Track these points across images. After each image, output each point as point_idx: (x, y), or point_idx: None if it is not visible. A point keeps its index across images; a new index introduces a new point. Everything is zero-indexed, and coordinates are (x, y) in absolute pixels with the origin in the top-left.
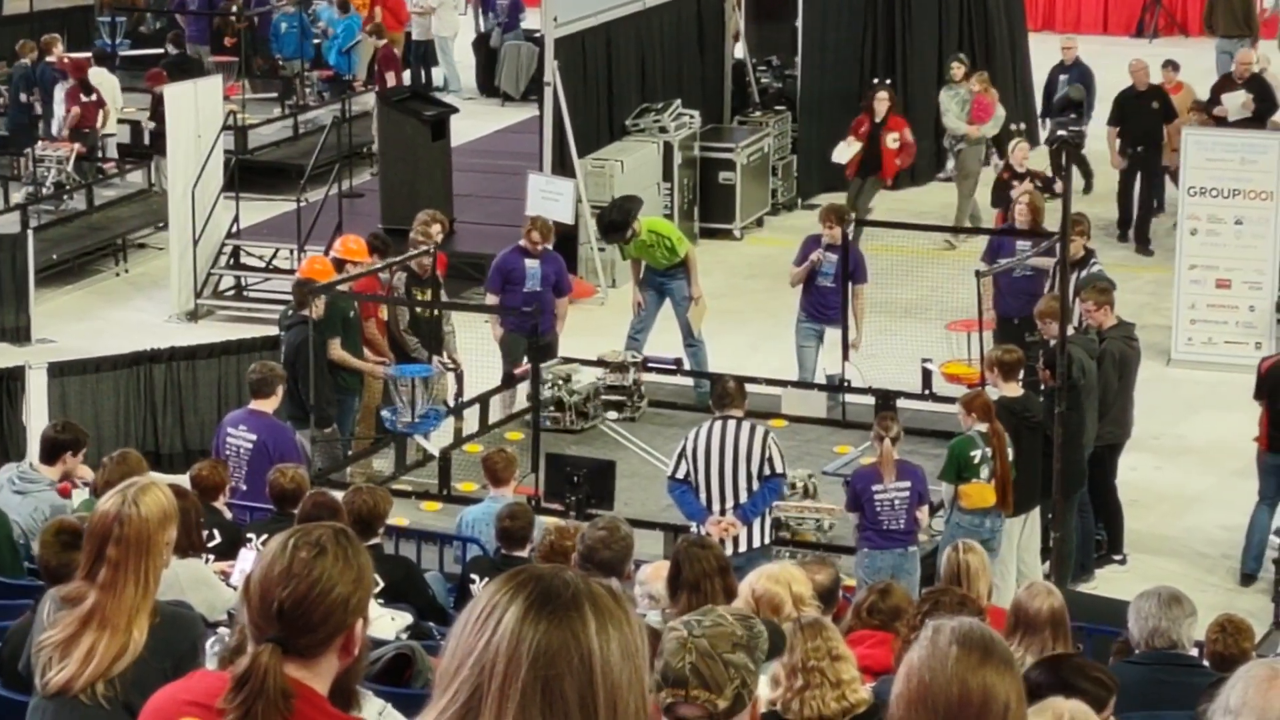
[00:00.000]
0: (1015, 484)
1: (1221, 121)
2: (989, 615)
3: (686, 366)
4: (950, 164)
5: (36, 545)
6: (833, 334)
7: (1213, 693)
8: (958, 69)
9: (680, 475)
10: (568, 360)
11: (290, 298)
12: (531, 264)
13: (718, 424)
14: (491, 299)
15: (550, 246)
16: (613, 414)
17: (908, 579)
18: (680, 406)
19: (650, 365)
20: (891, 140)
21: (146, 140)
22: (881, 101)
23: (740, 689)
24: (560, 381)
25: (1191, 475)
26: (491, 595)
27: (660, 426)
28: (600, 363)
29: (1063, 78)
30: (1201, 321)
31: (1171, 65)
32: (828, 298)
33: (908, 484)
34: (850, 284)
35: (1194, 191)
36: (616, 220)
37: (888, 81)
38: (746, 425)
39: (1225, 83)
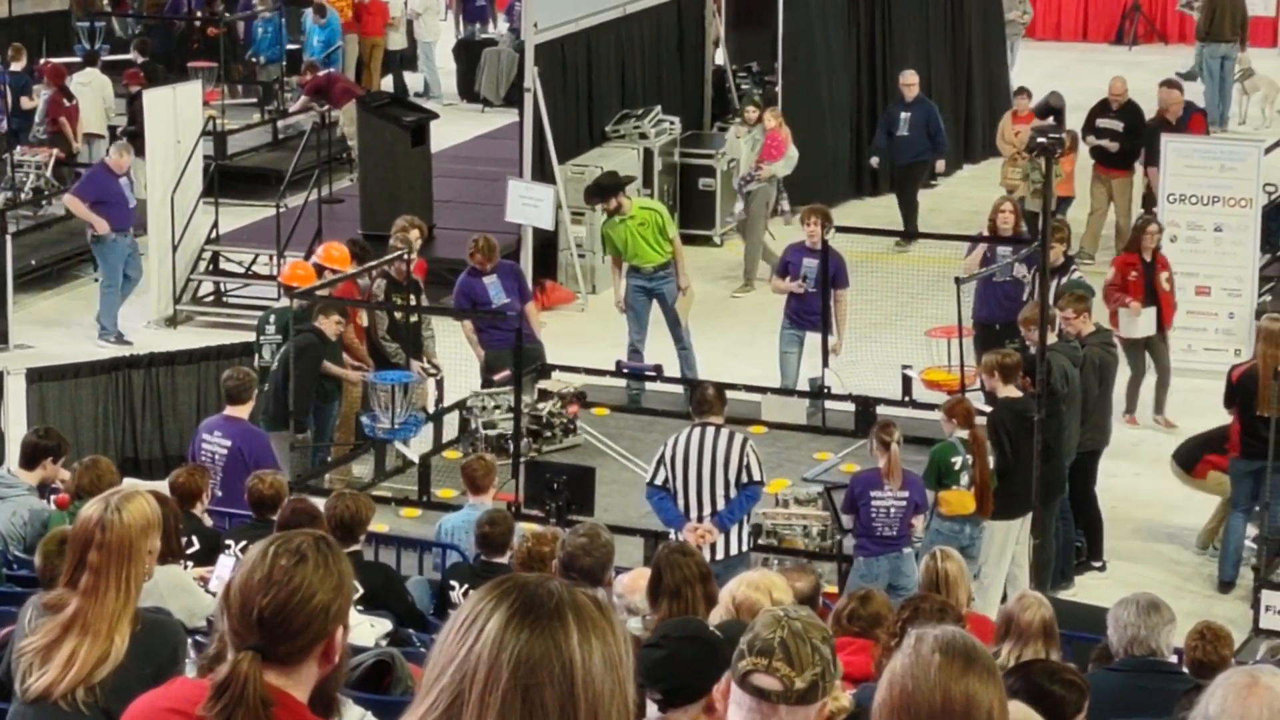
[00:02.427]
0: (1013, 486)
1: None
2: (969, 622)
3: (677, 371)
4: (739, 206)
5: (15, 549)
6: (814, 339)
7: (1191, 700)
8: (751, 112)
9: (659, 482)
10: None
11: (267, 305)
12: (490, 280)
13: (696, 431)
14: (468, 324)
15: (498, 261)
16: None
17: (906, 580)
18: (660, 413)
19: (628, 373)
20: (1165, 281)
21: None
22: (1152, 236)
23: (818, 678)
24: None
25: (1170, 482)
26: (475, 603)
27: (640, 433)
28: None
29: (904, 115)
30: (1181, 328)
31: (1024, 93)
32: (810, 303)
33: (906, 493)
34: (831, 289)
35: (1173, 198)
36: (605, 184)
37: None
38: (725, 432)
39: (1101, 109)
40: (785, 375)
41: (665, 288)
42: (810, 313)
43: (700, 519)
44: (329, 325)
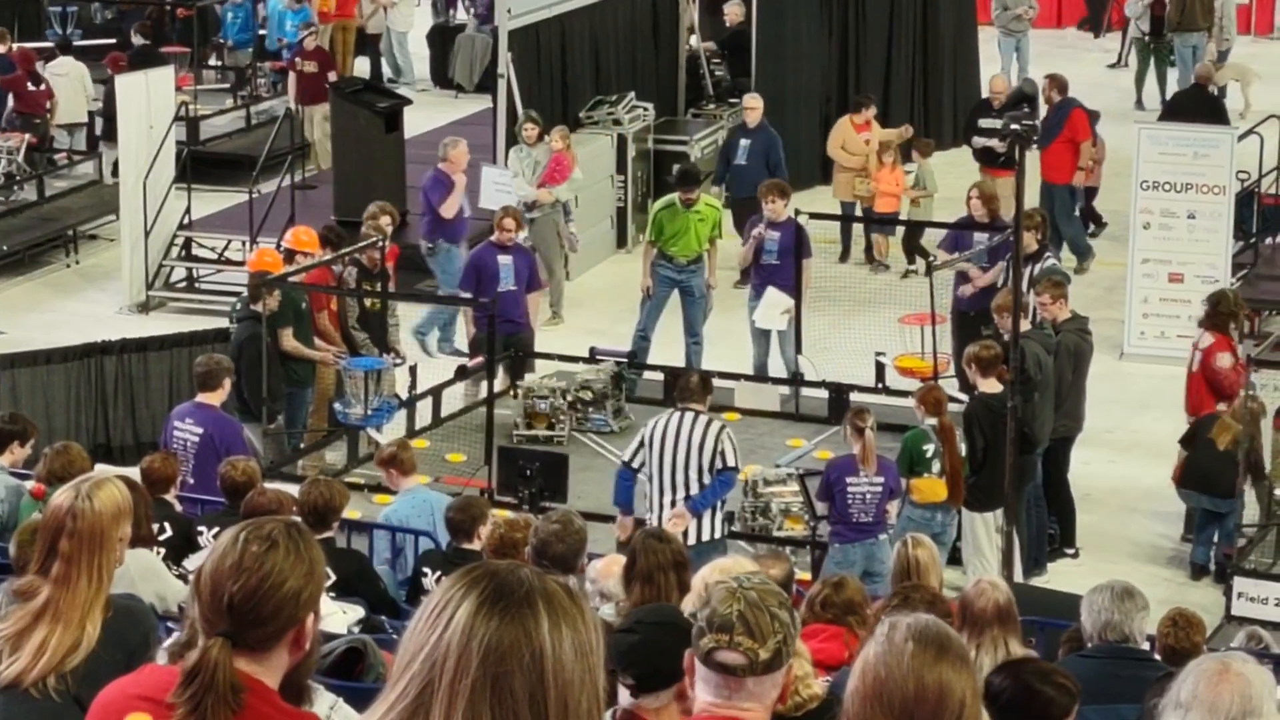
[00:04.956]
0: (992, 478)
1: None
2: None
3: (691, 362)
4: (523, 234)
5: None
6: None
7: (1163, 686)
8: (530, 130)
9: (636, 463)
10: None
11: (241, 290)
12: (505, 260)
13: (676, 415)
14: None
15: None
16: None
17: (882, 567)
18: (639, 400)
19: (600, 358)
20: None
21: (98, 129)
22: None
23: (781, 645)
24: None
25: (1143, 469)
26: (446, 591)
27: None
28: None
29: (744, 142)
30: (1154, 316)
31: (869, 103)
32: (773, 275)
33: (882, 479)
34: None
35: (1147, 185)
36: (695, 173)
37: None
38: (703, 419)
39: (983, 108)
40: (756, 349)
41: (694, 281)
42: (778, 285)
43: (673, 503)
44: (270, 301)
